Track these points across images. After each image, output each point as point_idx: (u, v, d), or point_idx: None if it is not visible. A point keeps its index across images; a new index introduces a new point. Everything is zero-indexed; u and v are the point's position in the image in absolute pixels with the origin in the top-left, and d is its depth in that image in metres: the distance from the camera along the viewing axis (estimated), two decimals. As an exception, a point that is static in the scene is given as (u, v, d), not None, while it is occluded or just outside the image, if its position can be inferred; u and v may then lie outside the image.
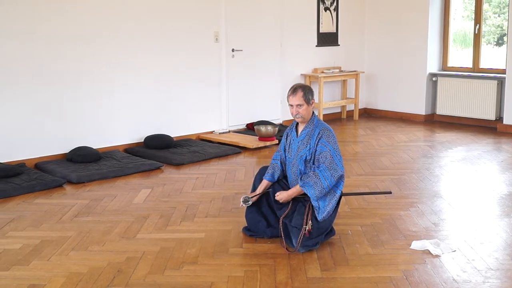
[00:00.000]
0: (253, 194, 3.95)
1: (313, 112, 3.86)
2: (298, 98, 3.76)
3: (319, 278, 3.28)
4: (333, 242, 3.80)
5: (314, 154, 3.74)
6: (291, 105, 3.80)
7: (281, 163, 3.97)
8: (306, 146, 3.78)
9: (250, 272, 3.36)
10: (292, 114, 3.82)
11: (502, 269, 3.39)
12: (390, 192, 4.33)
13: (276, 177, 3.96)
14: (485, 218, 4.33)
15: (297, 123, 3.91)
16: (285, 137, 3.99)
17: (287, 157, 3.93)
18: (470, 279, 3.25)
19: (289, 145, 3.90)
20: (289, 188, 3.88)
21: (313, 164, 3.75)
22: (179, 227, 4.16)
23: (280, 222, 3.75)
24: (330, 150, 3.70)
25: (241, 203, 3.90)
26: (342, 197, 3.91)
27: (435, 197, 4.87)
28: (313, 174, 3.68)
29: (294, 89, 3.81)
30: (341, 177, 3.72)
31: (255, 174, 4.12)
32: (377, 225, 4.14)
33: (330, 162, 3.68)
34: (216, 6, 7.34)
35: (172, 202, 4.77)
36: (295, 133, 3.89)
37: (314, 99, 3.84)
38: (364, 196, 4.81)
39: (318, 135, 3.74)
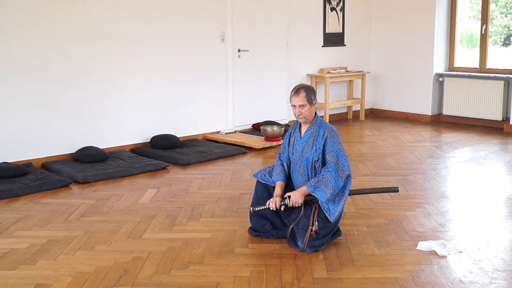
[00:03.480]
0: (274, 200, 3.78)
1: (315, 113, 3.87)
2: (300, 99, 3.76)
3: (325, 278, 3.28)
4: (339, 243, 3.80)
5: (322, 154, 3.74)
6: (294, 106, 3.80)
7: (287, 164, 3.96)
8: (312, 148, 3.78)
9: (256, 272, 3.37)
10: (294, 114, 3.82)
11: (508, 270, 3.37)
12: (397, 189, 4.03)
13: (286, 176, 3.91)
14: (491, 219, 4.32)
15: (300, 124, 3.91)
16: (288, 139, 3.97)
17: (291, 159, 3.92)
18: (477, 280, 3.24)
19: (293, 146, 3.90)
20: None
21: (322, 165, 3.75)
22: (185, 227, 4.17)
23: (289, 230, 3.72)
24: (336, 151, 3.71)
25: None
26: (348, 197, 3.89)
27: (441, 197, 4.85)
28: (322, 177, 3.66)
29: (296, 90, 3.81)
30: (348, 177, 3.73)
31: (255, 185, 4.02)
32: (383, 225, 4.13)
33: (337, 163, 3.68)
34: (223, 6, 7.34)
35: (178, 202, 4.78)
36: (299, 133, 3.89)
37: (316, 100, 3.85)
38: (370, 196, 4.80)
39: (323, 135, 3.75)
